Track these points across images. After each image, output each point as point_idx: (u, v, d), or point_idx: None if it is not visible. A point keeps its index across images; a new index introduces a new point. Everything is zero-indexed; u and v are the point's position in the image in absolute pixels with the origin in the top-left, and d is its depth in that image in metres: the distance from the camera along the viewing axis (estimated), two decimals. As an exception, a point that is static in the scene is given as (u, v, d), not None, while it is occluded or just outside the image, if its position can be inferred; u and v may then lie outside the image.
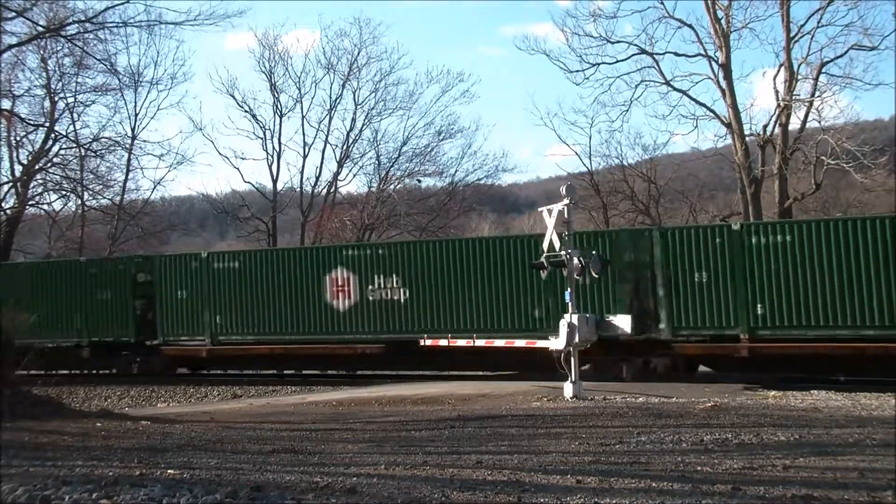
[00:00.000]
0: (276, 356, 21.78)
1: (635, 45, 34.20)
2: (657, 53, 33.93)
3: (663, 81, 34.17)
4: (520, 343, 18.22)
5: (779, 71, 32.42)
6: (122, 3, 24.57)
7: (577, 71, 34.94)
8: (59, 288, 23.65)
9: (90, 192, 38.53)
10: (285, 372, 23.13)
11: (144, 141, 40.79)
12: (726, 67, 32.48)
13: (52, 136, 36.04)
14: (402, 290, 19.97)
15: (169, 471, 7.57)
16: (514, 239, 20.10)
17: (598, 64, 34.57)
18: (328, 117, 41.42)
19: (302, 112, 41.95)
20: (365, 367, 21.54)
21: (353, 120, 41.28)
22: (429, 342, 19.29)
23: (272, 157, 41.17)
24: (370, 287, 20.23)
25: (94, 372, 23.64)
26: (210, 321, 21.75)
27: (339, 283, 20.55)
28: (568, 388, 15.02)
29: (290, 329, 21.03)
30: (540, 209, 16.93)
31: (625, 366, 17.93)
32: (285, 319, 21.03)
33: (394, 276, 20.00)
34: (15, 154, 36.47)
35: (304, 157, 42.68)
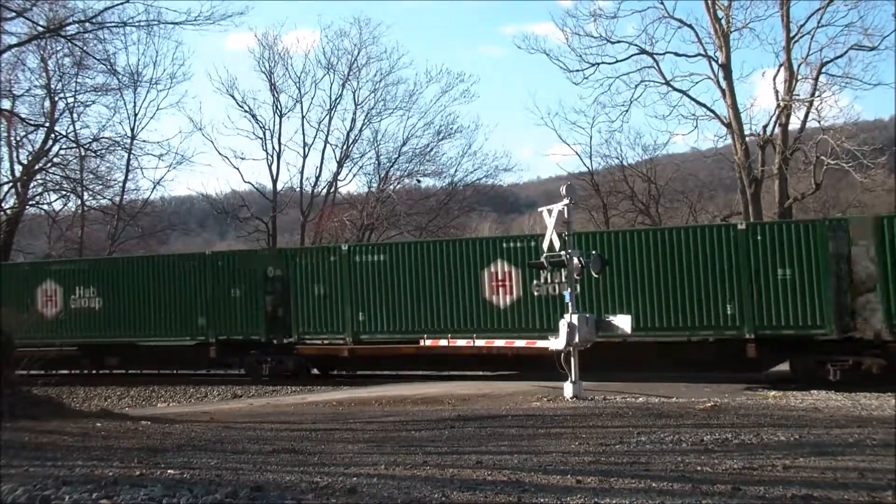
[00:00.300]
0: (423, 356, 20.11)
1: (635, 45, 34.31)
2: (657, 53, 34.03)
3: (663, 81, 34.25)
4: (519, 343, 18.23)
5: (779, 71, 32.50)
6: (122, 3, 24.52)
7: (577, 70, 35.04)
8: (182, 282, 22.33)
9: (90, 192, 38.62)
10: (438, 373, 21.22)
11: (144, 141, 40.95)
12: (726, 67, 32.49)
13: (52, 136, 36.09)
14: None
15: (169, 471, 7.56)
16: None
17: (598, 64, 34.68)
18: (328, 117, 41.50)
19: (302, 112, 42.04)
20: (528, 369, 18.88)
21: (353, 120, 41.36)
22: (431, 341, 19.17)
23: (272, 157, 41.24)
24: (535, 283, 18.75)
25: (224, 372, 22.94)
26: (352, 318, 20.36)
27: (500, 277, 19.09)
28: (568, 388, 15.02)
29: (441, 327, 19.51)
30: (540, 209, 16.93)
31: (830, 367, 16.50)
32: (436, 316, 19.59)
33: (562, 270, 18.25)
34: (15, 154, 36.56)
35: (304, 157, 42.83)
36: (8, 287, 23.65)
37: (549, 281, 18.56)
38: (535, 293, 18.72)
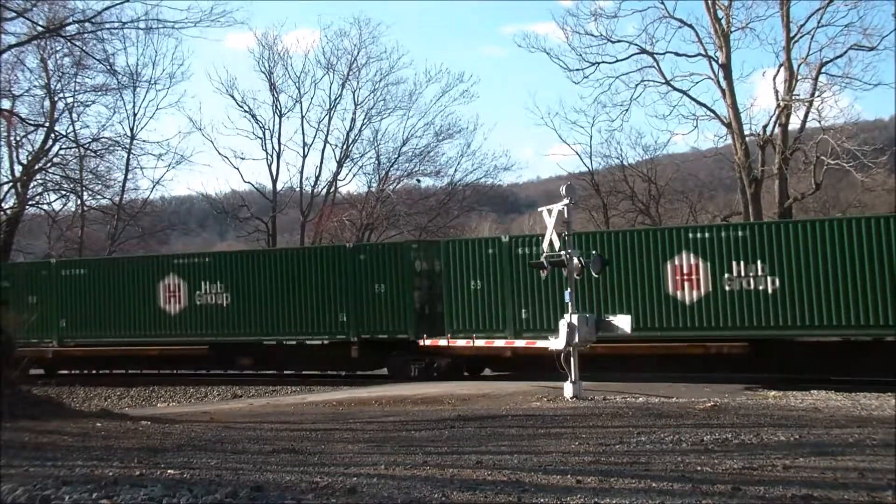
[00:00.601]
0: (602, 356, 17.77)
1: (636, 44, 34.29)
2: (657, 53, 34.02)
3: (663, 81, 34.24)
4: (519, 343, 18.23)
5: (779, 71, 32.50)
6: (122, 3, 24.56)
7: (577, 70, 35.00)
8: (319, 277, 21.07)
9: (90, 192, 38.66)
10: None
11: (144, 141, 40.88)
12: (726, 67, 32.49)
13: (52, 136, 36.10)
14: (768, 280, 17.11)
15: (169, 471, 7.56)
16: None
17: (599, 63, 34.65)
18: (328, 117, 41.53)
19: (301, 112, 42.05)
20: (723, 369, 17.87)
21: (353, 120, 41.38)
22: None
23: (272, 157, 41.27)
24: (726, 276, 17.41)
25: (362, 372, 21.44)
26: (514, 315, 18.88)
27: (685, 270, 17.76)
28: (568, 388, 15.02)
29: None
30: (540, 209, 16.92)
31: None
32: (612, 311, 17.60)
33: (758, 262, 17.08)
34: (15, 154, 36.57)
35: (304, 157, 42.74)
36: (122, 281, 23.20)
37: (742, 275, 17.32)
38: (727, 288, 17.37)
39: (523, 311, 18.87)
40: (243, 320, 21.83)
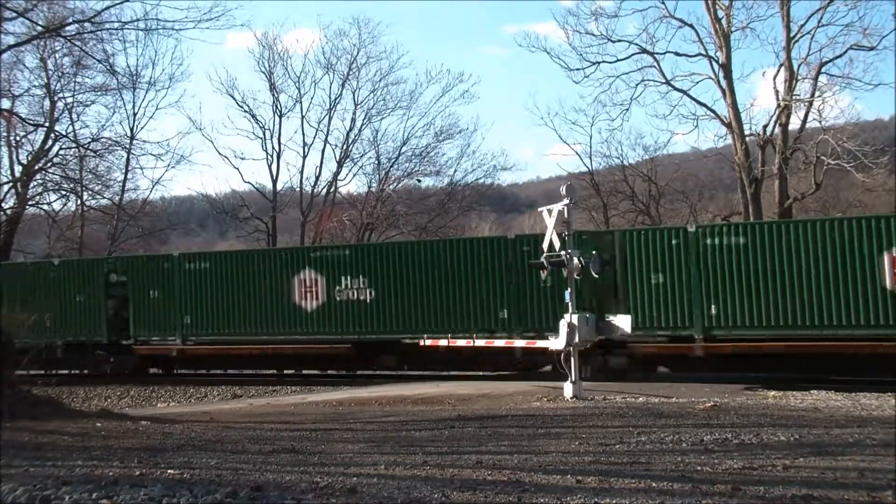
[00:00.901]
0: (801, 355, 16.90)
1: (636, 44, 34.31)
2: (658, 53, 34.02)
3: (664, 81, 34.25)
4: (520, 343, 18.19)
5: (779, 71, 32.50)
6: (121, 3, 24.59)
7: (578, 69, 35.01)
8: (475, 270, 19.40)
9: (90, 192, 38.67)
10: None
11: (144, 141, 40.93)
12: (727, 67, 32.50)
13: (52, 136, 36.12)
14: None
15: (169, 471, 7.56)
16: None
17: (599, 63, 34.66)
18: (328, 117, 41.57)
19: (301, 112, 42.11)
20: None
21: (353, 120, 41.42)
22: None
23: (272, 157, 41.31)
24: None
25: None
26: (703, 311, 17.59)
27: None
28: (568, 389, 15.02)
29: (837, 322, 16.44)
30: (540, 209, 16.91)
31: None
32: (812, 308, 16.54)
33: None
34: (15, 154, 36.61)
35: (304, 157, 42.87)
36: (252, 275, 21.81)
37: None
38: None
39: (713, 306, 17.51)
40: (387, 317, 20.30)
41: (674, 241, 17.91)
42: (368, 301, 20.48)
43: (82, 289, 23.63)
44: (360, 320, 20.58)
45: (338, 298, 20.80)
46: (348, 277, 20.71)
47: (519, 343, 18.29)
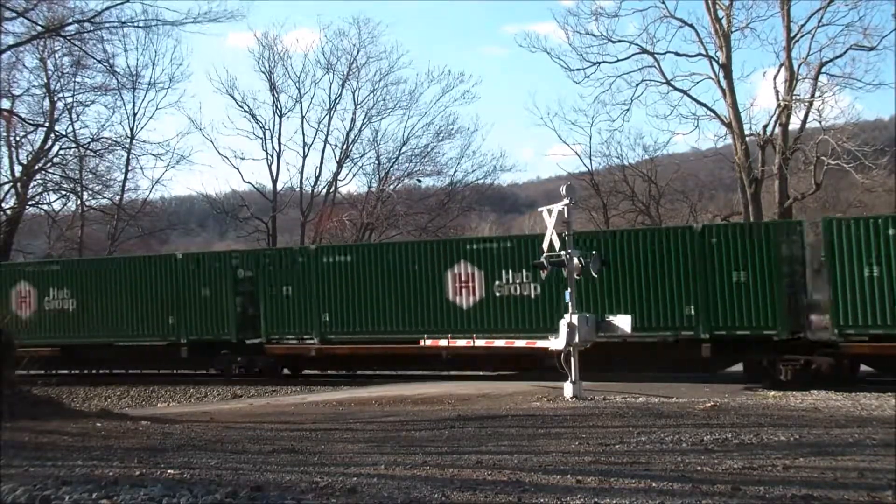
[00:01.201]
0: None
1: (636, 44, 34.31)
2: (658, 53, 34.02)
3: (664, 81, 34.25)
4: (520, 343, 18.17)
5: (779, 71, 32.50)
6: (121, 3, 24.60)
7: (578, 69, 35.00)
8: (664, 262, 17.54)
9: (90, 192, 38.66)
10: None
11: (144, 141, 40.89)
12: (727, 67, 32.50)
13: (52, 136, 36.12)
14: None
15: (169, 471, 7.57)
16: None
17: (599, 63, 34.66)
18: (328, 117, 41.53)
19: (301, 112, 42.05)
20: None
21: (353, 120, 41.38)
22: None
23: (272, 157, 41.28)
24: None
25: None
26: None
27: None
28: (568, 388, 15.02)
29: None
30: (540, 209, 16.92)
31: None
32: None
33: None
34: (15, 154, 36.60)
35: (304, 157, 42.71)
36: (399, 269, 20.08)
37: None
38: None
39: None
40: (554, 312, 17.43)
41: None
42: (533, 297, 18.62)
43: (209, 284, 22.15)
44: (527, 318, 18.61)
45: (497, 294, 19.06)
46: (511, 272, 18.88)
47: (520, 343, 17.94)
